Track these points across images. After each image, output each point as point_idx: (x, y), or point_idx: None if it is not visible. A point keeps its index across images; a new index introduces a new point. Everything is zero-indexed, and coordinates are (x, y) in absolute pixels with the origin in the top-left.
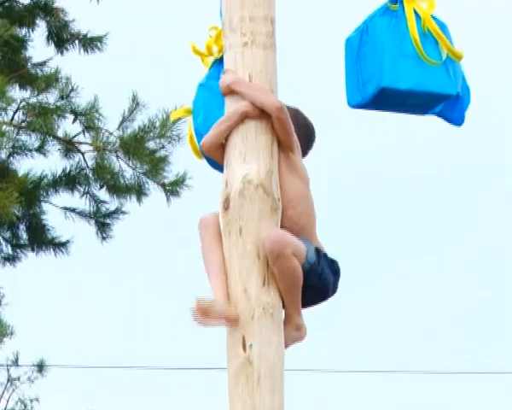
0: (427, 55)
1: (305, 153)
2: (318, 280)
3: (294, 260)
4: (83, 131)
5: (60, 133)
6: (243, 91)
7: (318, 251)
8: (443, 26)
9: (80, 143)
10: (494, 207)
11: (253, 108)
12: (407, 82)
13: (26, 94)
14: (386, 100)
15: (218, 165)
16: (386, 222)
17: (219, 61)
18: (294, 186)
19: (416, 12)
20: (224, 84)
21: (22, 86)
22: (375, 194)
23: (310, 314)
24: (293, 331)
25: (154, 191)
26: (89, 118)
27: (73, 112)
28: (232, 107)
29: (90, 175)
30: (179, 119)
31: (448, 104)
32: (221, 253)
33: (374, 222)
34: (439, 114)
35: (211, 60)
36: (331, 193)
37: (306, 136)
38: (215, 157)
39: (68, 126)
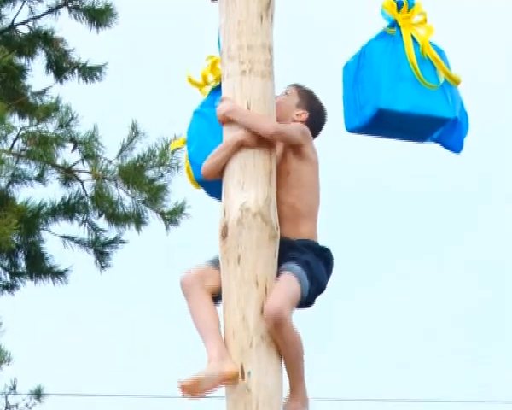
0: (425, 79)
1: (316, 134)
2: (314, 296)
3: (295, 331)
4: (82, 159)
5: (59, 162)
6: (238, 120)
7: (308, 264)
8: (440, 52)
9: (79, 171)
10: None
11: (250, 136)
12: (405, 104)
13: (26, 122)
14: (383, 123)
15: (215, 192)
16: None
17: (215, 89)
18: (305, 172)
19: (413, 38)
20: (221, 112)
21: (22, 115)
22: (375, 198)
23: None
24: (298, 406)
25: (153, 220)
26: (88, 146)
27: (73, 140)
28: (229, 135)
29: (89, 204)
30: (179, 148)
31: (446, 130)
32: (209, 310)
33: (373, 223)
34: (438, 141)
35: (208, 89)
36: (331, 195)
37: (319, 119)
38: (217, 178)
39: (67, 155)
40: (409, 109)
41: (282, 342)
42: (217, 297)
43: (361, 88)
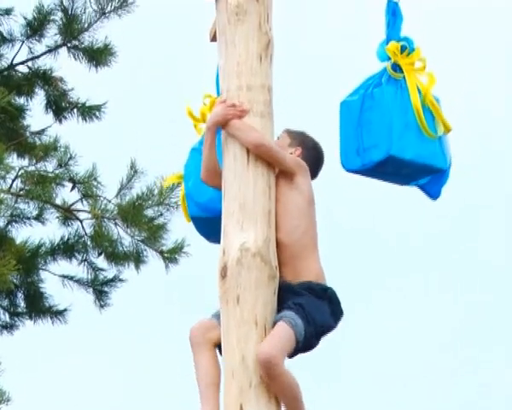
0: (429, 129)
1: (314, 174)
2: (316, 337)
3: (290, 375)
4: (81, 198)
5: (58, 201)
6: (227, 128)
7: (301, 306)
8: (437, 100)
9: (78, 210)
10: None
11: (224, 116)
12: (410, 152)
13: (25, 162)
14: (384, 168)
15: (211, 236)
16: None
17: None
18: (293, 200)
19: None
20: (212, 117)
21: (21, 154)
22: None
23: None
24: None
25: (153, 259)
26: (87, 186)
27: (72, 180)
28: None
29: (89, 243)
30: (173, 185)
31: (433, 178)
32: (210, 365)
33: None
34: (420, 186)
35: (203, 126)
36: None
37: (314, 157)
38: (218, 185)
39: (66, 194)
40: (413, 158)
41: (277, 388)
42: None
43: (366, 130)
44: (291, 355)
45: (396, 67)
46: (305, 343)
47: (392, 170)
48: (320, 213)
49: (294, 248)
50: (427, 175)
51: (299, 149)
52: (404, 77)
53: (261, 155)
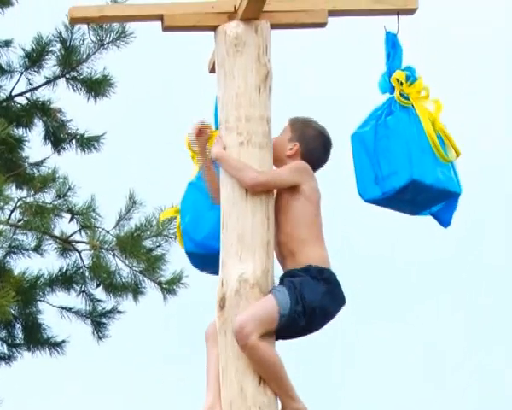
0: (444, 153)
1: (318, 164)
2: (307, 317)
3: (263, 348)
4: (79, 229)
5: (56, 232)
6: (224, 168)
7: (293, 284)
8: (445, 126)
9: (77, 241)
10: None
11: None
12: (430, 177)
13: (23, 193)
14: (403, 195)
15: (206, 269)
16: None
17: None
18: (300, 210)
19: None
20: (212, 154)
21: (19, 186)
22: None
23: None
24: None
25: (151, 290)
26: (85, 217)
27: (70, 211)
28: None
29: (87, 274)
30: (169, 218)
31: (446, 204)
32: (216, 359)
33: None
34: (434, 214)
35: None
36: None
37: (315, 149)
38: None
39: (65, 225)
40: (433, 182)
41: (253, 360)
42: None
43: (383, 158)
44: (281, 335)
45: (403, 96)
46: (289, 321)
47: (410, 197)
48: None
49: (295, 244)
50: (442, 201)
51: (296, 145)
52: (412, 104)
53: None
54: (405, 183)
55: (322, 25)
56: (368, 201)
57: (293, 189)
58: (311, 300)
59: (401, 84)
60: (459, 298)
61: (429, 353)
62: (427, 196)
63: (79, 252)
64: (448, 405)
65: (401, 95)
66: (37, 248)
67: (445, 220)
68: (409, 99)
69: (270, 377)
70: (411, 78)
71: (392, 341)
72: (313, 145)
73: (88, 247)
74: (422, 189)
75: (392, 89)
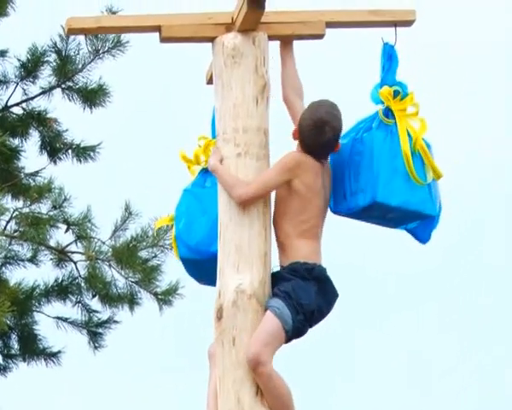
0: (417, 175)
1: (315, 146)
2: (309, 320)
3: (278, 379)
4: (75, 240)
5: (52, 243)
6: (218, 180)
7: (288, 295)
8: (429, 147)
9: (73, 252)
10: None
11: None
12: (397, 199)
13: (19, 204)
14: (370, 212)
15: (202, 278)
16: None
17: (206, 170)
18: (291, 205)
19: (407, 131)
20: (209, 165)
21: (15, 196)
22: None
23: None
24: None
25: (147, 300)
26: (81, 227)
27: (66, 222)
28: None
29: (83, 284)
30: (166, 226)
31: (422, 223)
32: (215, 379)
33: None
34: (410, 230)
35: (197, 168)
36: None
37: (311, 132)
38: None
39: (61, 236)
40: (400, 204)
41: (265, 391)
42: None
43: (355, 174)
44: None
45: (388, 112)
46: (295, 331)
47: (378, 214)
48: None
49: (284, 238)
50: (415, 220)
51: (296, 130)
52: (395, 122)
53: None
54: (368, 203)
55: (320, 36)
56: (335, 213)
57: (288, 187)
58: (307, 304)
59: (388, 99)
60: (443, 306)
61: (413, 361)
62: (398, 215)
63: (75, 263)
64: None
65: (385, 111)
66: (33, 259)
67: (422, 237)
68: (393, 117)
69: (278, 406)
70: (402, 93)
71: (375, 349)
72: (305, 128)
73: (84, 257)
74: (389, 209)
75: (383, 102)
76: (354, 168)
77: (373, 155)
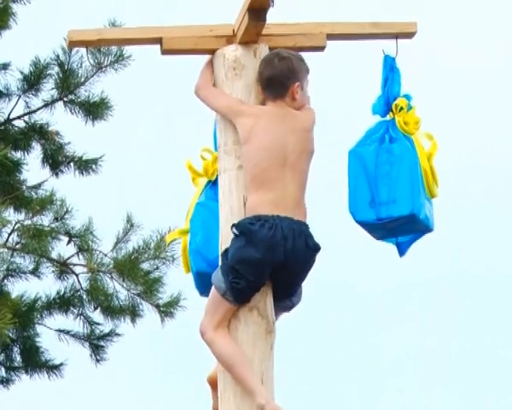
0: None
1: (267, 79)
2: (243, 274)
3: (218, 343)
4: (77, 252)
5: (54, 255)
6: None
7: (223, 260)
8: None
9: (74, 264)
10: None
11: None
12: (423, 212)
13: (21, 216)
14: (392, 223)
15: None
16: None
17: (213, 182)
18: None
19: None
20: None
21: (17, 208)
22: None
23: None
24: (261, 402)
25: (149, 312)
26: (83, 240)
27: (68, 234)
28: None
29: (85, 297)
30: (175, 240)
31: (415, 236)
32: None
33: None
34: (398, 243)
35: (201, 180)
36: None
37: (261, 74)
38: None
39: (63, 248)
40: (423, 218)
41: (214, 356)
42: None
43: (384, 184)
44: (275, 297)
45: (394, 124)
46: (236, 291)
47: (395, 226)
48: None
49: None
50: (414, 233)
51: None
52: (409, 135)
53: None
54: (405, 214)
55: (321, 48)
56: (358, 222)
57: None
58: (231, 259)
59: (400, 110)
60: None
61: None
62: (408, 228)
63: (77, 275)
64: None
65: (392, 123)
66: (35, 271)
67: (404, 251)
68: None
69: (228, 369)
70: (408, 106)
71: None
72: (260, 71)
73: (85, 270)
74: (414, 222)
75: (385, 113)
76: (382, 178)
77: (406, 166)
